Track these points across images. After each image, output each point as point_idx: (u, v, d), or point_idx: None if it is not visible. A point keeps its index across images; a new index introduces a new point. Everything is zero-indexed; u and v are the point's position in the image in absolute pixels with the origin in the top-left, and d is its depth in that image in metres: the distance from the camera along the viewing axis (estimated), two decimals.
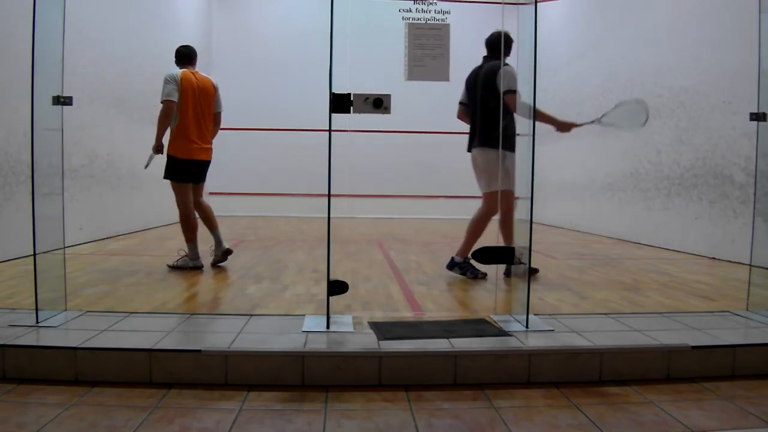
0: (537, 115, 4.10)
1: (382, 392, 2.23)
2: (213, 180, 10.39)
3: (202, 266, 4.34)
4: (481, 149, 4.05)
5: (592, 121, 4.11)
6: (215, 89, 4.50)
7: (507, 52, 3.91)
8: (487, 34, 4.33)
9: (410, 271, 4.50)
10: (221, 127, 4.70)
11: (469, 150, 4.22)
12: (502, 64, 3.84)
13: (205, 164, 4.57)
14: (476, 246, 3.50)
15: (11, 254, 4.47)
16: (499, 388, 2.30)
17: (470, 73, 4.25)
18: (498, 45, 3.89)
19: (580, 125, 4.11)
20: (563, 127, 4.08)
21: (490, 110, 3.93)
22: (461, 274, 4.16)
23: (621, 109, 4.08)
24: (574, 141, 8.54)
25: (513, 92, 3.72)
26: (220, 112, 4.58)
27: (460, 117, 4.37)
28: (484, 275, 4.12)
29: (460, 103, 4.33)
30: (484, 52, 4.32)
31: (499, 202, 3.95)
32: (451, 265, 4.23)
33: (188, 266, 4.31)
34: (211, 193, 10.38)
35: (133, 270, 4.28)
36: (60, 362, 2.28)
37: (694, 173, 5.90)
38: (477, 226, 4.16)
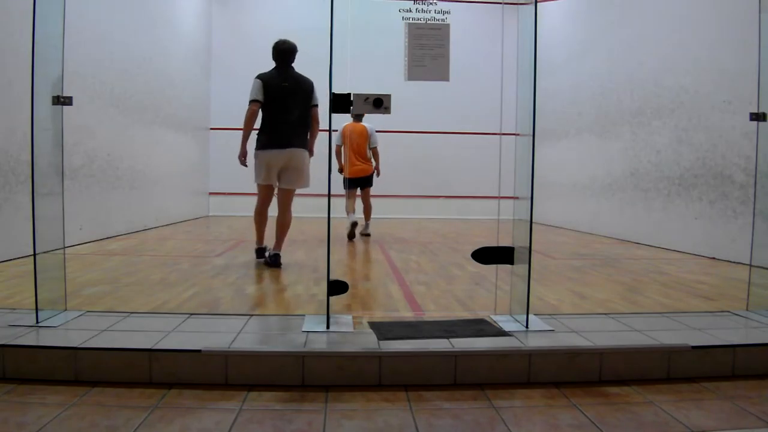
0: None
1: (382, 392, 2.23)
2: (213, 180, 10.48)
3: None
4: (302, 150, 4.52)
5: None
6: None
7: (293, 60, 4.50)
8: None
9: (410, 271, 4.49)
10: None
11: (282, 148, 4.45)
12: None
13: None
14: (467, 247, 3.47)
15: (11, 254, 4.47)
16: (499, 388, 2.30)
17: (271, 77, 4.43)
18: (292, 54, 4.46)
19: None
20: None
21: (305, 118, 4.51)
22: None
23: None
24: (574, 141, 8.57)
25: (317, 106, 4.55)
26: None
27: (254, 114, 4.42)
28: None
29: (256, 101, 4.37)
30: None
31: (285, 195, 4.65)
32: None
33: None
34: (211, 193, 10.41)
35: (133, 270, 4.28)
36: (60, 362, 2.27)
37: (694, 173, 5.90)
38: (264, 217, 4.78)
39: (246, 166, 4.62)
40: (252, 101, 4.36)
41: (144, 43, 7.25)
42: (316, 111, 4.60)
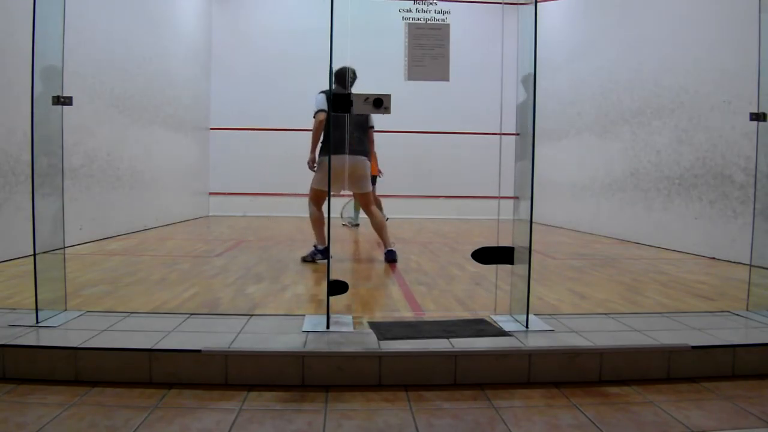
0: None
1: (382, 392, 2.23)
2: (213, 180, 10.48)
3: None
4: (365, 159, 4.86)
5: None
6: None
7: (352, 84, 4.61)
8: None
9: (410, 271, 4.49)
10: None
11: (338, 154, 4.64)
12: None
13: None
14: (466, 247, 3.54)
15: (11, 254, 4.47)
16: (499, 388, 2.30)
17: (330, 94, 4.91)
18: (344, 77, 4.60)
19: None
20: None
21: (363, 133, 4.93)
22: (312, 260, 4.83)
23: None
24: (574, 141, 8.57)
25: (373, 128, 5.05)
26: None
27: (322, 121, 4.64)
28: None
29: (323, 110, 4.64)
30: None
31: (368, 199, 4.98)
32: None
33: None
34: (211, 193, 10.42)
35: (133, 270, 4.28)
36: (60, 362, 2.27)
37: (694, 173, 5.91)
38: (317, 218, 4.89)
39: (314, 170, 4.84)
40: (319, 111, 4.66)
41: (144, 43, 7.25)
42: (371, 132, 5.07)
